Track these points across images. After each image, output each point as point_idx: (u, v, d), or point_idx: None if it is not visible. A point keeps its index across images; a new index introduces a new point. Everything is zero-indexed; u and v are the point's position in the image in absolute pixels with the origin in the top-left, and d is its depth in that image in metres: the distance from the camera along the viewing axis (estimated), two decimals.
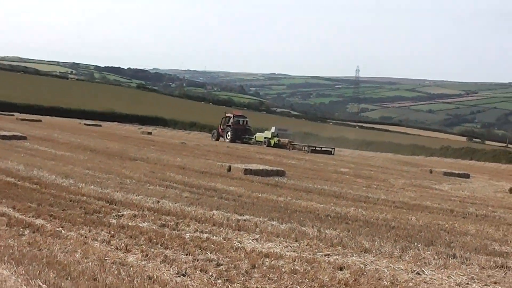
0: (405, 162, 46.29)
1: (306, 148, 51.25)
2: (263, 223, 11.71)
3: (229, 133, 57.76)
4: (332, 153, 50.60)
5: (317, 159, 37.61)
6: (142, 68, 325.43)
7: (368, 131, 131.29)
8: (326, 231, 11.39)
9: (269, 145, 53.82)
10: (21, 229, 9.50)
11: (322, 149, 51.77)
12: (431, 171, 34.13)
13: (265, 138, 55.51)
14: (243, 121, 59.60)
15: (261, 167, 23.37)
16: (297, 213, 13.56)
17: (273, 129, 56.17)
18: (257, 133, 57.69)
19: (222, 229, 10.79)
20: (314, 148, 51.07)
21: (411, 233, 12.10)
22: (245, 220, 11.81)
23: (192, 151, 34.31)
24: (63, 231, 9.60)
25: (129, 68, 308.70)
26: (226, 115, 60.38)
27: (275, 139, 54.62)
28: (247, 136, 57.93)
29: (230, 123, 58.44)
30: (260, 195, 16.42)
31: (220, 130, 59.62)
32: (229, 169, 22.50)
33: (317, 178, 23.43)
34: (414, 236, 11.76)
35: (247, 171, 21.83)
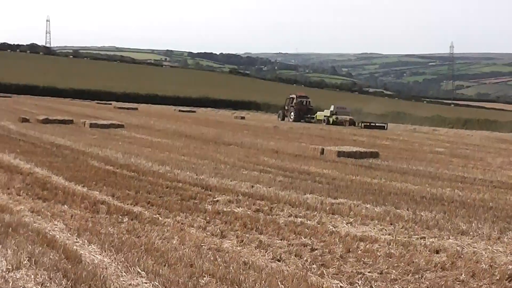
0: (503, 140, 44.91)
1: (360, 124, 52.22)
2: (357, 206, 11.65)
3: (292, 114, 59.70)
4: (386, 128, 51.90)
5: (412, 139, 37.03)
6: (234, 52, 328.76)
7: (464, 108, 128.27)
8: (422, 214, 11.23)
9: (328, 123, 55.06)
10: (120, 216, 9.77)
11: (376, 124, 53.03)
12: None
13: (324, 116, 56.68)
14: (306, 101, 61.03)
15: (354, 149, 23.21)
16: (392, 195, 13.41)
17: (332, 108, 57.06)
18: (318, 112, 58.86)
19: (316, 213, 10.80)
20: (368, 124, 52.14)
21: (510, 213, 11.78)
22: (339, 204, 11.77)
23: (285, 134, 34.41)
24: (160, 218, 9.83)
25: (221, 53, 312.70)
26: (290, 96, 62.19)
27: (334, 117, 55.65)
28: (309, 115, 59.32)
29: (293, 104, 60.16)
30: (354, 177, 16.33)
31: (285, 110, 61.26)
32: (322, 152, 22.44)
33: (412, 159, 23.06)
34: None
35: (340, 154, 21.72)
